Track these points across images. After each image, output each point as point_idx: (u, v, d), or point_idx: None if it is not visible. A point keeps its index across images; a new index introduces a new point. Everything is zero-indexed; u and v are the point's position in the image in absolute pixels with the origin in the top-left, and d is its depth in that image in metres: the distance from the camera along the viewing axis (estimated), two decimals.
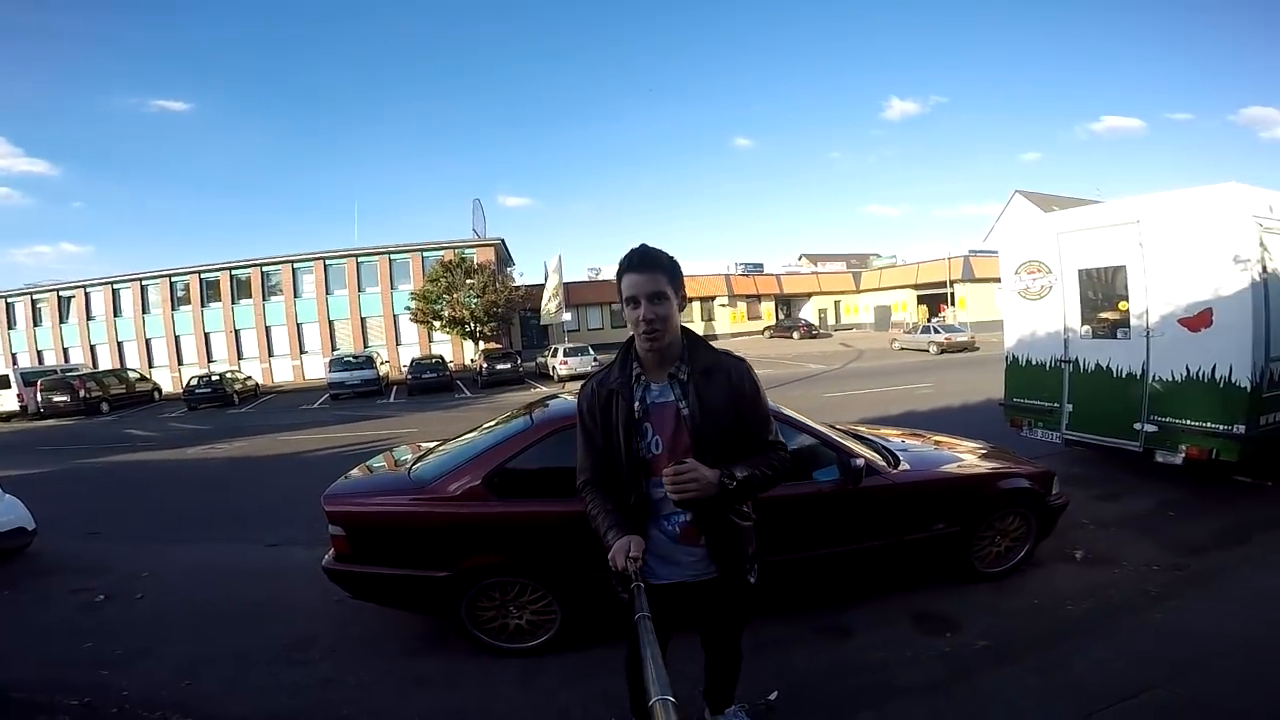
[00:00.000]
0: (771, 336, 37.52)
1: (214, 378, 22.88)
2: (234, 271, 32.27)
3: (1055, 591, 3.42)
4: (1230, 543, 4.02)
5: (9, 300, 34.05)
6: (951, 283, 32.96)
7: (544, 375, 22.96)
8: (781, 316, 41.93)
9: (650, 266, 1.65)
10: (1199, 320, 4.68)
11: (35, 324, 33.81)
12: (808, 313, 42.83)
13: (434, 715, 2.67)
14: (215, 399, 21.56)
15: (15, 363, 28.59)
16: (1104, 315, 5.42)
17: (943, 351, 22.34)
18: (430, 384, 21.50)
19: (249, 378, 26.47)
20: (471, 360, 27.79)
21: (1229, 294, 4.49)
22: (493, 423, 3.86)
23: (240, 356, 31.77)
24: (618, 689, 2.10)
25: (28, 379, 21.46)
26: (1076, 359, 5.55)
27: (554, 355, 22.44)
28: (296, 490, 6.67)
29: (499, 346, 26.88)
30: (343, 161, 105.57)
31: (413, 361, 23.73)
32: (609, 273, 41.31)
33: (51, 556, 5.10)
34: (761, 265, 43.37)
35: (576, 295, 38.24)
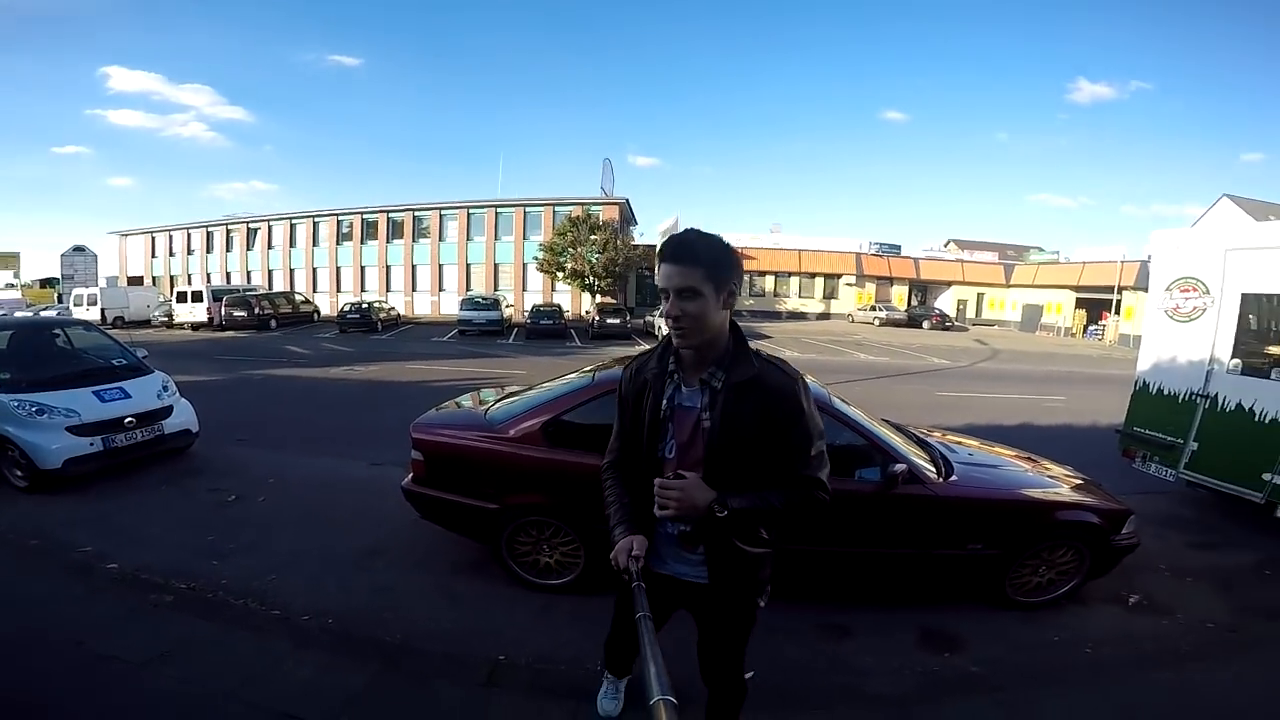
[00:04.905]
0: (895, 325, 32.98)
1: (363, 306, 25.80)
2: (390, 214, 35.86)
3: (1083, 632, 3.24)
4: None
5: (209, 229, 40.84)
6: (1120, 288, 28.30)
7: (649, 333, 23.38)
8: (915, 303, 39.03)
9: (685, 258, 1.48)
10: None
11: (228, 250, 40.19)
12: (945, 302, 39.51)
13: (456, 629, 3.09)
14: (362, 325, 24.28)
15: (209, 281, 33.49)
16: (1270, 349, 4.73)
17: (882, 325, 32.04)
18: (546, 330, 22.69)
19: (393, 308, 29.50)
20: (586, 312, 29.09)
21: None
22: (572, 375, 4.09)
23: (389, 289, 35.49)
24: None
25: (216, 295, 25.20)
26: (1216, 395, 4.90)
27: (659, 315, 22.63)
28: (408, 417, 7.64)
29: (613, 301, 27.68)
30: (492, 118, 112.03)
31: (533, 308, 25.10)
32: (729, 239, 40.57)
33: (204, 458, 5.84)
34: (899, 247, 40.39)
35: None
